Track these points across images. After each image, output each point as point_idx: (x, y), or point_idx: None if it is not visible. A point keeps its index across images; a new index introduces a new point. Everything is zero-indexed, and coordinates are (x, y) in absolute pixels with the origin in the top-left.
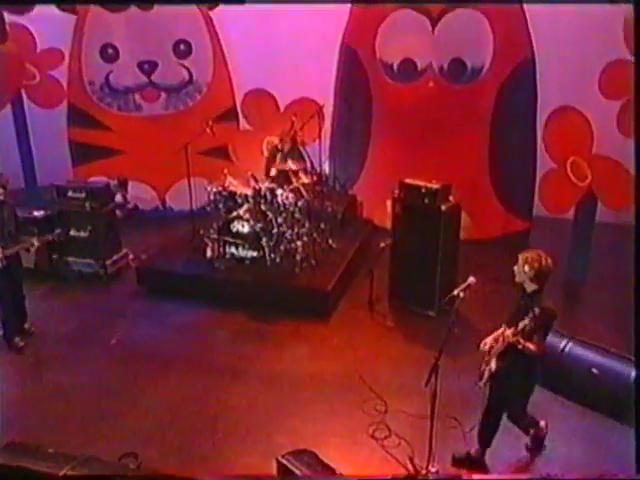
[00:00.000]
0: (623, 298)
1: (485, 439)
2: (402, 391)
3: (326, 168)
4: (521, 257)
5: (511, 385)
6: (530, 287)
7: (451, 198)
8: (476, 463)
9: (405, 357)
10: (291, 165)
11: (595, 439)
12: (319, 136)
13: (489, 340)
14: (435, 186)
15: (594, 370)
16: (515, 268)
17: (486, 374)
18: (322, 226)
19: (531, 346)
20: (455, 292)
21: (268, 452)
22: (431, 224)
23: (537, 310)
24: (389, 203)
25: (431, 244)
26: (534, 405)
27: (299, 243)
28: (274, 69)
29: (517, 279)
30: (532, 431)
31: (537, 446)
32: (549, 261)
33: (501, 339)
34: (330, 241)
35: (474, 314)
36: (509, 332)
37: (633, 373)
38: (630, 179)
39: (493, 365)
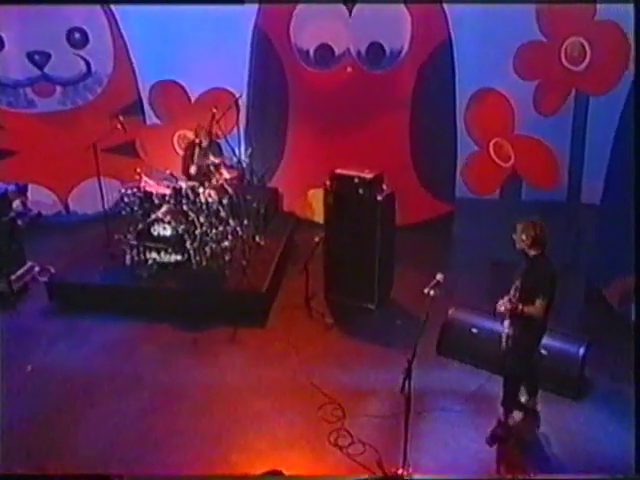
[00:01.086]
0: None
1: (508, 403)
2: (356, 392)
3: (247, 161)
4: (518, 227)
5: (519, 343)
6: (531, 252)
7: (385, 187)
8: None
9: (351, 355)
10: (214, 160)
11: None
12: (237, 128)
13: (505, 301)
14: (369, 176)
15: (474, 330)
16: (514, 236)
17: (504, 337)
18: (246, 223)
19: (528, 309)
20: (425, 290)
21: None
22: (367, 215)
23: (521, 277)
24: (311, 194)
25: (368, 235)
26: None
27: (226, 243)
28: (182, 58)
29: (517, 246)
30: (504, 419)
31: (503, 436)
32: (544, 227)
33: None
34: (257, 238)
35: (411, 303)
36: (501, 302)
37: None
38: (553, 157)
39: (507, 328)
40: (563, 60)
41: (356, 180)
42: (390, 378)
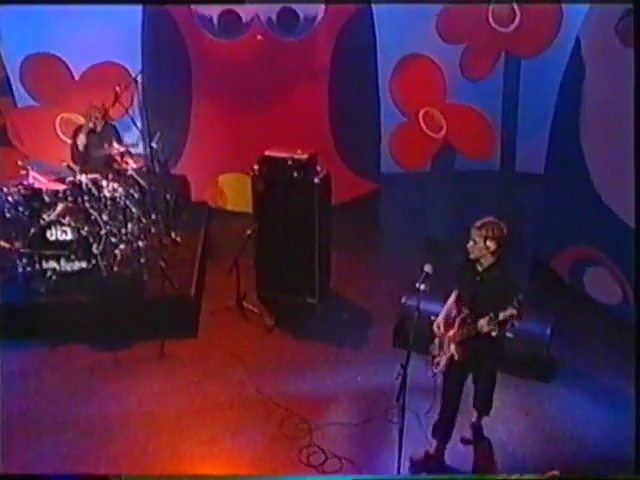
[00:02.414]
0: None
1: (445, 433)
2: (316, 399)
3: (156, 147)
4: (477, 232)
5: (480, 371)
6: (488, 261)
7: (319, 168)
8: (437, 462)
9: (301, 358)
10: (118, 148)
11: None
12: (132, 108)
13: (441, 323)
14: (303, 156)
15: (433, 317)
16: (470, 245)
17: (443, 361)
18: (156, 218)
19: (508, 333)
20: (417, 285)
21: None
22: (303, 200)
23: (521, 297)
24: (222, 179)
25: (305, 222)
26: None
27: (140, 243)
28: (60, 27)
29: (474, 256)
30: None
31: (479, 436)
32: (503, 226)
33: (464, 328)
34: (173, 235)
35: (353, 293)
36: (484, 322)
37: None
38: (489, 126)
39: (454, 352)
40: (491, 22)
41: (289, 162)
42: (349, 379)
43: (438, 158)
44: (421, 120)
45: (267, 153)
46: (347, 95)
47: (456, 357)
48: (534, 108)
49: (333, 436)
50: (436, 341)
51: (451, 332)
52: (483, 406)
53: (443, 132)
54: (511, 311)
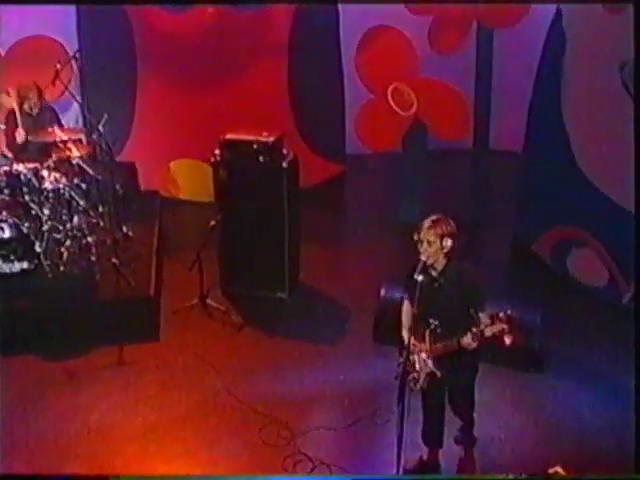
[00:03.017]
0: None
1: (435, 439)
2: (296, 402)
3: (102, 131)
4: (431, 232)
5: (458, 383)
6: (442, 263)
7: (285, 150)
8: (433, 467)
9: (275, 357)
10: (60, 134)
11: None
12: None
13: (411, 337)
14: (270, 139)
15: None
16: (424, 248)
17: (422, 377)
18: (107, 210)
19: (468, 342)
20: (415, 276)
21: None
22: (271, 187)
23: (509, 311)
24: (174, 166)
25: (274, 211)
26: None
27: (89, 239)
28: None
29: (429, 260)
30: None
31: (469, 438)
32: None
33: (438, 341)
34: (125, 228)
35: (325, 285)
36: (468, 339)
37: None
38: (463, 103)
39: (434, 369)
40: None
41: (255, 146)
42: (330, 378)
43: (409, 137)
44: (390, 97)
45: (229, 136)
46: (308, 71)
47: (438, 374)
48: (510, 83)
49: (319, 441)
50: (411, 357)
51: (423, 346)
52: (465, 422)
53: (413, 109)
54: (500, 326)
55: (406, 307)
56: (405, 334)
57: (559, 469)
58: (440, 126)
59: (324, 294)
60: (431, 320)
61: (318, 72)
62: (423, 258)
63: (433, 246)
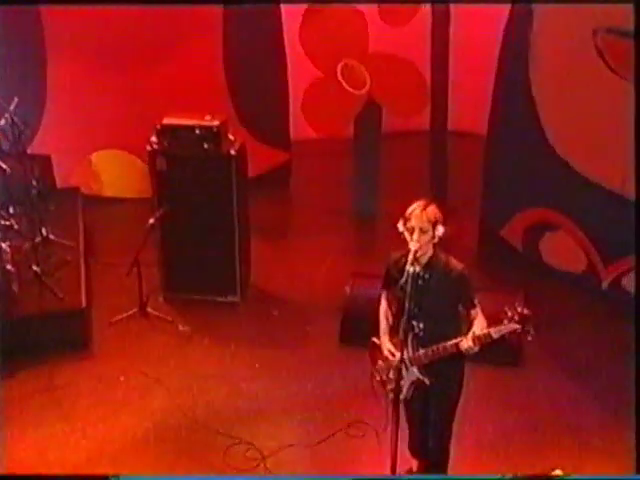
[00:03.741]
0: None
1: (424, 450)
2: (259, 418)
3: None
4: (423, 218)
5: (448, 390)
6: (428, 255)
7: (231, 136)
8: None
9: (230, 369)
10: None
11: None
12: None
13: (390, 347)
14: (214, 123)
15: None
16: (415, 238)
17: (405, 388)
18: (22, 211)
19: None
20: (407, 267)
21: None
22: (218, 177)
23: (519, 308)
24: (96, 158)
25: (221, 204)
26: None
27: (3, 245)
28: None
29: (418, 247)
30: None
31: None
32: None
33: (424, 347)
34: (44, 231)
35: (277, 285)
36: (469, 343)
37: None
38: (420, 77)
39: (422, 376)
40: None
41: (198, 131)
42: (296, 389)
43: (362, 119)
44: (340, 74)
45: (167, 121)
46: (246, 49)
47: (427, 382)
48: (470, 57)
49: (292, 461)
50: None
51: (405, 354)
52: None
53: (366, 87)
54: (511, 327)
55: (384, 308)
56: (384, 339)
57: (559, 472)
58: (396, 104)
59: (280, 295)
60: (415, 322)
61: (257, 48)
62: (414, 247)
63: (427, 235)
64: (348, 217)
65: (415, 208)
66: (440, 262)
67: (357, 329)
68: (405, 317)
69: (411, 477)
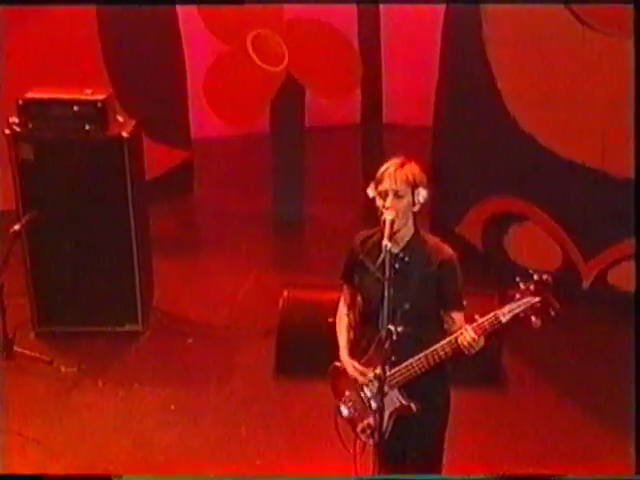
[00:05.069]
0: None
1: None
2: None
3: None
4: (400, 179)
5: (432, 419)
6: (409, 230)
7: (120, 118)
8: None
9: (133, 415)
10: None
11: None
12: None
13: (356, 364)
14: (99, 97)
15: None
16: (389, 204)
17: (386, 419)
18: None
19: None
20: (384, 242)
21: None
22: (105, 169)
23: (537, 275)
24: None
25: (112, 207)
26: None
27: None
28: None
29: (394, 217)
30: None
31: None
32: None
33: (415, 359)
34: None
35: (187, 306)
36: (470, 334)
37: None
38: (348, 48)
39: (403, 400)
40: None
41: (76, 108)
42: (224, 436)
43: (279, 102)
44: (250, 47)
45: (32, 95)
46: (127, 22)
47: (413, 408)
48: (408, 30)
49: None
50: (362, 392)
51: (378, 370)
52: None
53: (284, 63)
54: (527, 301)
55: (343, 310)
56: (346, 355)
57: None
58: (321, 82)
59: (194, 319)
60: (392, 326)
61: (141, 21)
62: (390, 217)
63: (403, 200)
64: (269, 224)
65: (389, 166)
66: (424, 242)
67: (297, 353)
68: (382, 315)
69: (412, 477)
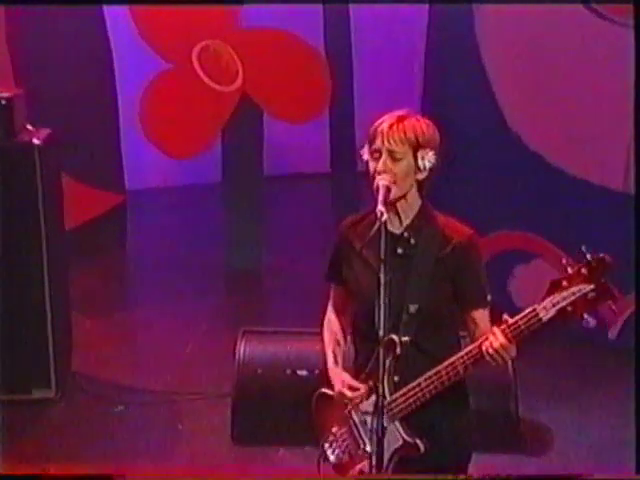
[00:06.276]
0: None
1: None
2: None
3: None
4: (394, 136)
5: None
6: (412, 208)
7: (30, 126)
8: None
9: None
10: None
11: None
12: None
13: (349, 379)
14: (2, 94)
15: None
16: (382, 164)
17: (386, 461)
18: None
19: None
20: (378, 208)
21: None
22: (11, 187)
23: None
24: None
25: (18, 238)
26: None
27: None
28: None
29: (390, 182)
30: None
31: None
32: None
33: (424, 378)
34: None
35: (115, 372)
36: (500, 339)
37: None
38: (316, 61)
39: (407, 438)
40: None
41: None
42: None
43: (233, 129)
44: (196, 63)
45: None
46: (42, 39)
47: (421, 448)
48: (386, 39)
49: None
50: (345, 432)
51: (363, 388)
52: None
53: (238, 81)
54: (577, 289)
55: (331, 318)
56: (332, 368)
57: None
58: (283, 103)
59: (125, 384)
60: (394, 335)
61: (63, 36)
62: (384, 182)
63: (401, 163)
64: (221, 276)
65: (384, 120)
66: (433, 220)
67: (258, 417)
68: (381, 320)
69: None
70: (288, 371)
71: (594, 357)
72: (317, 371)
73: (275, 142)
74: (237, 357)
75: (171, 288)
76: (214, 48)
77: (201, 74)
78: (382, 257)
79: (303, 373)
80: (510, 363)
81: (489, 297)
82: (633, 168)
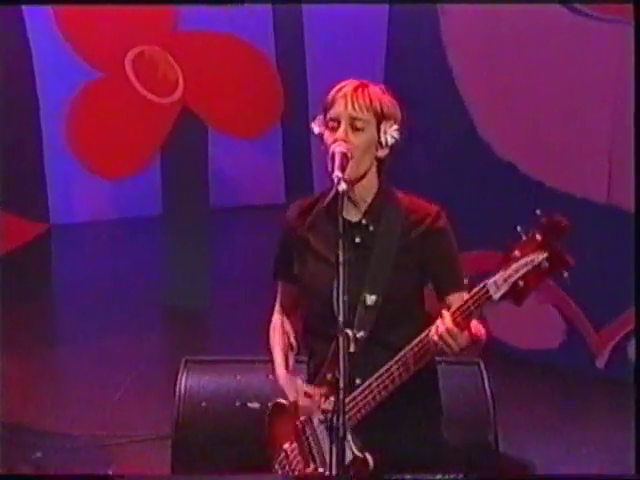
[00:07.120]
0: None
1: None
2: None
3: None
4: (355, 104)
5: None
6: (371, 188)
7: None
8: None
9: None
10: None
11: None
12: None
13: (300, 385)
14: None
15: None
16: (340, 134)
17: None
18: None
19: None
20: (338, 184)
21: None
22: None
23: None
24: None
25: None
26: None
27: None
28: None
29: (346, 150)
30: None
31: None
32: None
33: (376, 377)
34: None
35: (37, 416)
36: (446, 323)
37: None
38: (265, 68)
39: (357, 451)
40: None
41: None
42: None
43: (173, 147)
44: (130, 71)
45: None
46: None
47: (370, 463)
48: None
49: None
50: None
51: (317, 395)
52: None
53: (179, 91)
54: (531, 259)
55: (278, 319)
56: (280, 373)
57: None
58: (229, 117)
59: (42, 429)
60: (349, 330)
61: None
62: (341, 149)
63: (363, 135)
64: (159, 312)
65: (345, 85)
66: (395, 202)
67: (202, 456)
68: (340, 314)
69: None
70: (238, 403)
71: (582, 389)
72: (270, 404)
73: (222, 164)
74: (178, 389)
75: (100, 323)
76: (150, 54)
77: (136, 84)
78: (340, 243)
79: (255, 406)
80: (489, 393)
81: (466, 280)
82: (633, 181)
